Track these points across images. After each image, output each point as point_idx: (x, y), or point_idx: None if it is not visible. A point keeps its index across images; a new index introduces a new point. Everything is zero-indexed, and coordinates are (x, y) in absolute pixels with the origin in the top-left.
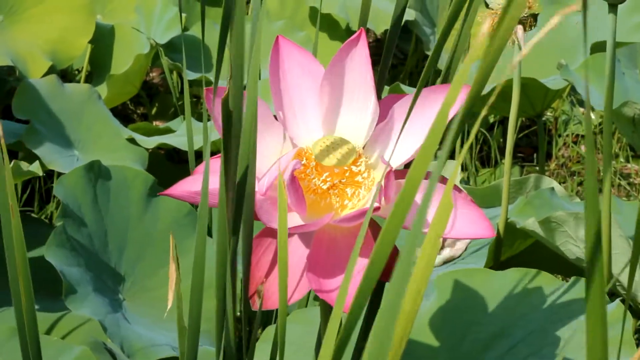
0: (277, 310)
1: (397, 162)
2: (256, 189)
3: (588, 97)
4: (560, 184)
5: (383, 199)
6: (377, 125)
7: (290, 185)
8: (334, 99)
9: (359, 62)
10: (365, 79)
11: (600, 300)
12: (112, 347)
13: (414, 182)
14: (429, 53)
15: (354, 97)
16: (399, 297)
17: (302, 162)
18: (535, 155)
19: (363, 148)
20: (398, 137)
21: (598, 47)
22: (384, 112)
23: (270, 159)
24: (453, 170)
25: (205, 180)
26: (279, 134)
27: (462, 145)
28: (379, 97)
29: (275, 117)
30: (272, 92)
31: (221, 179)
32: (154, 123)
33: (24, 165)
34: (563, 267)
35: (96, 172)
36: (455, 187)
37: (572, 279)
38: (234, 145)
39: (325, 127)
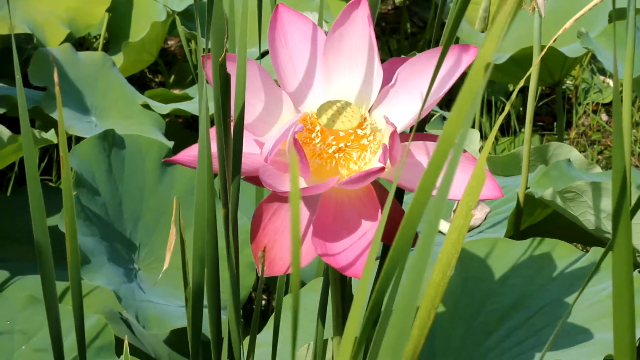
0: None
1: (402, 124)
2: (260, 155)
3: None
4: (580, 152)
5: (388, 160)
6: (381, 88)
7: (291, 148)
8: (338, 63)
9: (361, 25)
10: (368, 41)
11: (626, 269)
12: (128, 316)
13: (446, 144)
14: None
15: (357, 60)
16: (421, 272)
17: (307, 127)
18: (554, 123)
19: (368, 111)
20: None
21: (617, 15)
22: (388, 75)
23: (274, 125)
24: (487, 141)
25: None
26: (282, 100)
27: (481, 114)
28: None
29: (277, 83)
30: (273, 59)
31: (218, 141)
32: (172, 90)
33: (39, 133)
34: (582, 235)
35: (110, 141)
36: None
37: (591, 249)
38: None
39: (329, 91)
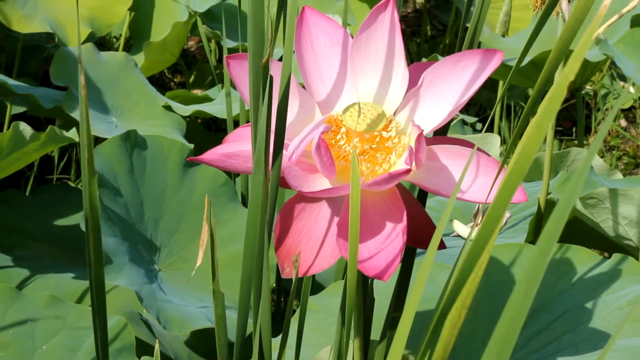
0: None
1: (426, 128)
2: (285, 156)
3: None
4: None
5: (414, 162)
6: (407, 91)
7: (317, 149)
8: (364, 65)
9: (388, 28)
10: (395, 44)
11: None
12: (148, 317)
13: (524, 159)
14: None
15: (383, 63)
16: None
17: (333, 129)
18: (574, 128)
19: (394, 114)
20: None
21: (636, 21)
22: (413, 79)
23: (299, 127)
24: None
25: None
26: (308, 103)
27: (501, 119)
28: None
29: (303, 86)
30: (299, 62)
31: (253, 143)
32: (192, 91)
33: (60, 131)
34: (603, 241)
35: (132, 142)
36: (484, 153)
37: (613, 256)
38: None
39: (355, 94)
